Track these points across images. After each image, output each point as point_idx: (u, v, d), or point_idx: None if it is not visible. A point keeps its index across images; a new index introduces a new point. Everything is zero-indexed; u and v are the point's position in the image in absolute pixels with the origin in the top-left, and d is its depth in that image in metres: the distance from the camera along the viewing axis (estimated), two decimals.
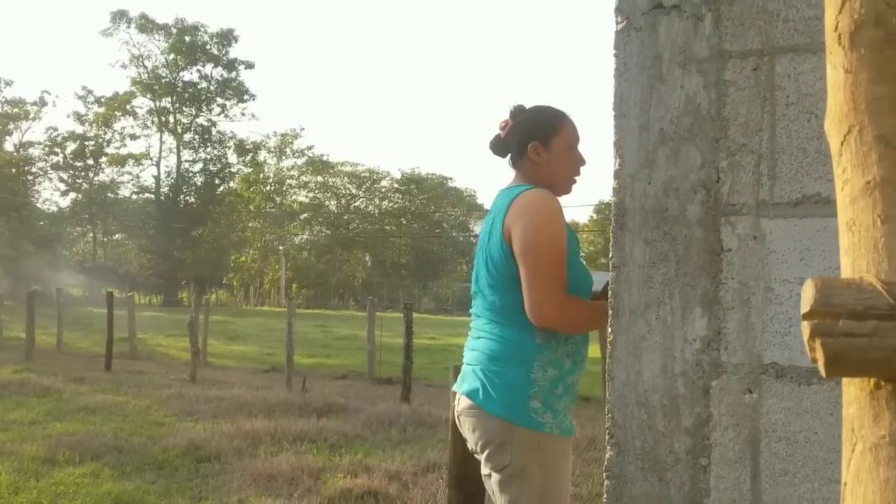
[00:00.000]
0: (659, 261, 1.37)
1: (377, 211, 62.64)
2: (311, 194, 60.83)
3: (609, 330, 1.40)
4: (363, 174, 61.33)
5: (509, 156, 2.43)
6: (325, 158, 59.79)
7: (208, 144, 52.27)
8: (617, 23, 1.41)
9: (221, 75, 51.66)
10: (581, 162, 2.36)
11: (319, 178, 60.10)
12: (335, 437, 7.35)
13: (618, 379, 1.39)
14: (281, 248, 55.98)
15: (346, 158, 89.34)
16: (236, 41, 51.58)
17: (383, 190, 62.57)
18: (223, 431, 7.20)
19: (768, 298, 1.28)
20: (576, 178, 2.38)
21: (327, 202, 61.51)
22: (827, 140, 1.23)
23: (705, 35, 1.34)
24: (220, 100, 52.13)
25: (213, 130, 52.47)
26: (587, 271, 2.31)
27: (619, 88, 1.41)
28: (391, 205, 62.51)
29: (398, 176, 62.13)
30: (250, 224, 57.97)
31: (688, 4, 1.35)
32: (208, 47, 50.81)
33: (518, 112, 2.40)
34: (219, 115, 52.68)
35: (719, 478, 1.31)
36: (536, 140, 2.32)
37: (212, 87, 51.66)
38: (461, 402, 2.29)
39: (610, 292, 1.44)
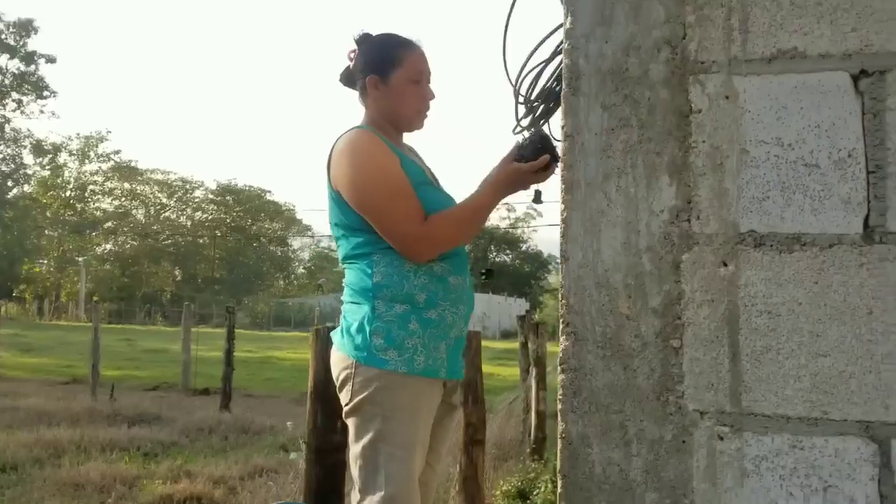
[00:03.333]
0: (619, 127, 1.23)
1: (190, 222, 59.90)
2: (116, 202, 57.21)
3: (561, 206, 1.25)
4: (175, 183, 58.49)
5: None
6: (132, 164, 56.53)
7: (0, 142, 47.79)
8: None
9: (18, 68, 47.44)
10: (429, 96, 2.23)
11: (126, 186, 56.68)
12: (150, 444, 6.99)
13: (573, 260, 1.23)
14: (80, 258, 51.99)
15: (157, 165, 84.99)
16: (36, 32, 47.55)
17: (197, 200, 59.96)
18: (20, 441, 6.53)
19: (743, 161, 1.18)
20: (424, 111, 2.24)
21: (135, 211, 58.07)
22: None
23: None
24: (15, 94, 47.76)
25: (7, 127, 48.03)
26: (447, 196, 2.20)
27: None
28: (205, 216, 60.00)
29: (214, 186, 59.81)
30: (47, 232, 53.50)
31: None
32: (3, 37, 46.53)
33: (363, 40, 2.25)
34: (14, 110, 48.31)
35: (694, 360, 1.18)
36: (374, 73, 2.18)
37: (7, 80, 47.29)
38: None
39: (559, 161, 1.27)
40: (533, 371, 7.99)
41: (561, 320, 1.23)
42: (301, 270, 68.50)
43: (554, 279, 52.59)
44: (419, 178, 2.16)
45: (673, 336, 1.18)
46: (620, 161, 1.22)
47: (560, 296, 1.24)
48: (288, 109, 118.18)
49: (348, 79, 2.30)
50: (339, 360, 2.12)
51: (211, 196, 59.57)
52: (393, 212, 2.02)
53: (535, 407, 7.07)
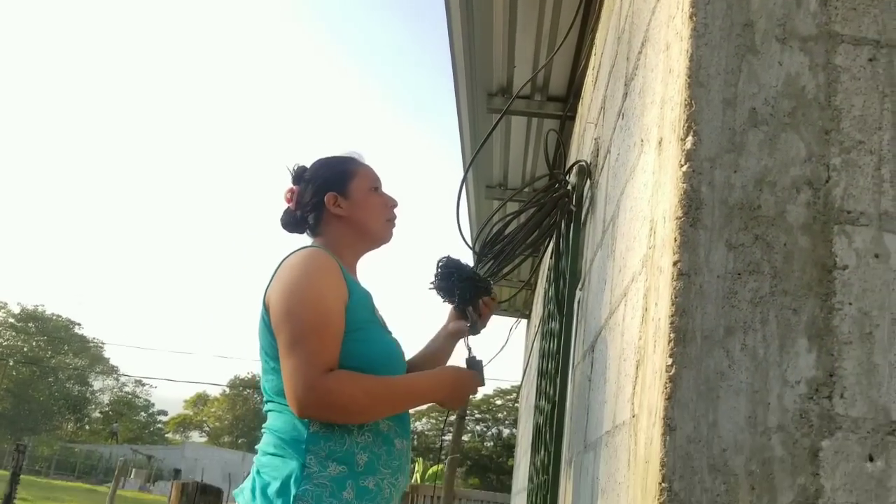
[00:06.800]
0: (748, 272, 1.00)
1: None
2: None
3: (668, 360, 0.98)
4: None
5: (307, 231, 2.01)
6: None
7: None
8: None
9: None
10: (392, 202, 2.02)
11: None
12: None
13: (681, 432, 0.95)
14: None
15: None
16: None
17: None
18: None
19: None
20: (392, 220, 2.01)
21: None
22: None
23: (810, 11, 1.09)
24: None
25: None
26: (390, 343, 1.89)
27: (698, 53, 1.08)
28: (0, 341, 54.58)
29: (17, 310, 54.96)
30: None
31: None
32: None
33: (300, 173, 2.02)
34: None
35: None
36: (331, 190, 1.95)
37: None
38: None
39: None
40: None
41: None
42: (97, 414, 62.87)
43: None
44: (365, 316, 1.85)
45: None
46: (748, 314, 0.99)
47: (660, 476, 0.94)
48: (115, 238, 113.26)
49: (291, 220, 2.01)
50: None
51: (11, 320, 54.65)
52: (299, 349, 1.66)
53: None
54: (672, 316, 1.00)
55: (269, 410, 1.80)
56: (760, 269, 1.00)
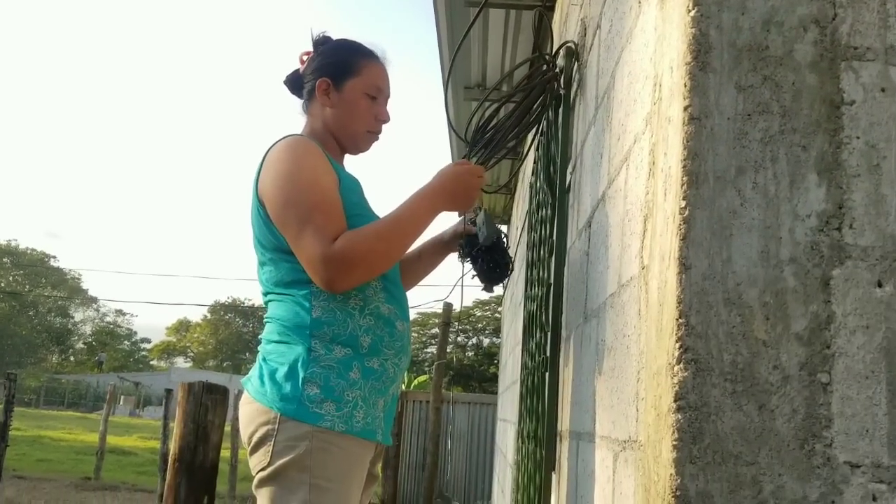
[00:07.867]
0: (757, 112, 1.01)
1: None
2: None
3: (682, 203, 1.00)
4: None
5: (302, 103, 2.01)
6: None
7: None
8: None
9: None
10: (383, 116, 1.96)
11: None
12: None
13: (696, 270, 0.98)
14: None
15: None
16: None
17: None
18: None
19: None
20: (374, 133, 1.97)
21: None
22: None
23: None
24: None
25: None
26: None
27: None
28: None
29: None
30: None
31: None
32: None
33: (319, 41, 1.99)
34: None
35: (846, 399, 0.94)
36: (327, 76, 1.91)
37: None
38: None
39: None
40: None
41: (678, 345, 0.97)
42: (80, 345, 63.10)
43: None
44: (359, 201, 1.85)
45: (821, 369, 0.95)
46: (758, 153, 1.00)
47: (677, 312, 0.98)
48: (79, 163, 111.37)
49: (294, 83, 2.00)
50: (257, 412, 1.70)
51: None
52: (306, 228, 1.67)
53: None
54: (684, 160, 1.01)
55: (270, 301, 1.82)
56: (770, 109, 1.02)
